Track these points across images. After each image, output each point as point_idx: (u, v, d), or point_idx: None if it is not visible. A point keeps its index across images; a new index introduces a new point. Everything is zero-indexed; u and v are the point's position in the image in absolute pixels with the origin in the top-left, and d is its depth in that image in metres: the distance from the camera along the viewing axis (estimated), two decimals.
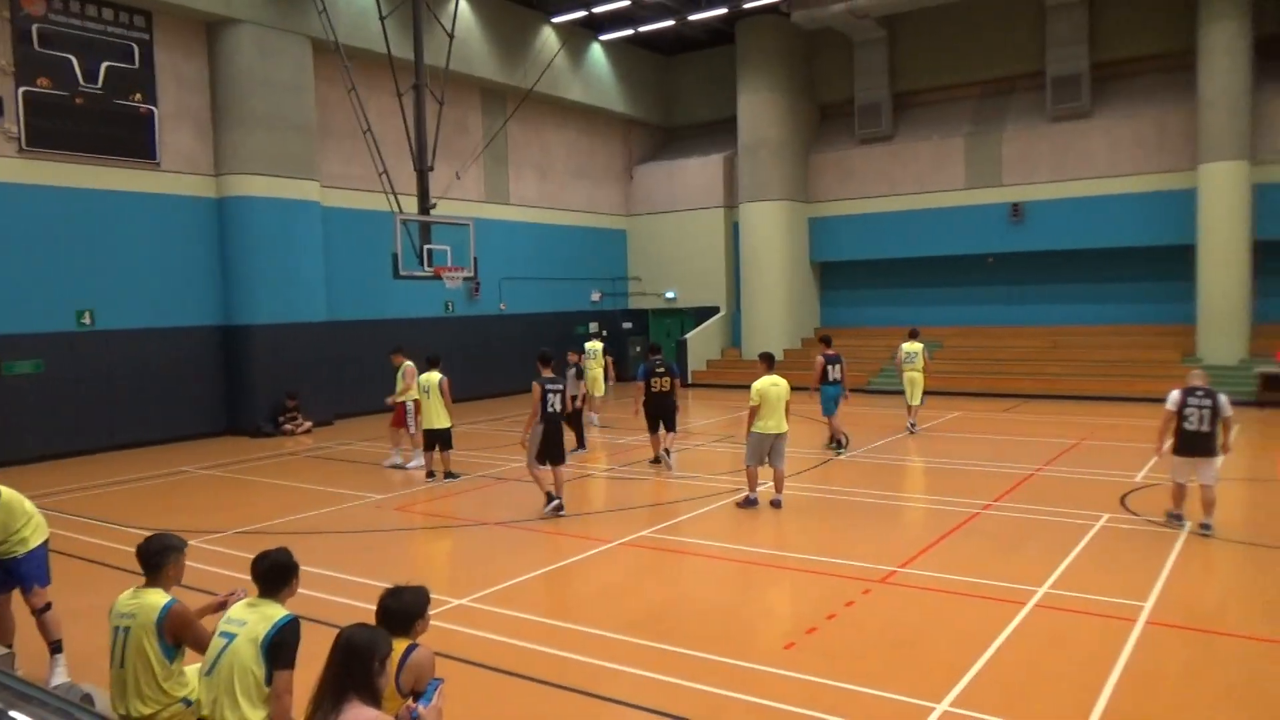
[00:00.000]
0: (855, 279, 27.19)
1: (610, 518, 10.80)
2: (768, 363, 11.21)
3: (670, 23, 24.79)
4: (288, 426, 18.37)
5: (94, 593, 7.69)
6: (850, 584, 7.85)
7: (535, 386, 10.68)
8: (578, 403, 14.97)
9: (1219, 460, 9.30)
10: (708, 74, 28.90)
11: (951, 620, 6.96)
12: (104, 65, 16.46)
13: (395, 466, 14.14)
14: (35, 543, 6.06)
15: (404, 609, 4.18)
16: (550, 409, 10.68)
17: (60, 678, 5.99)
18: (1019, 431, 16.59)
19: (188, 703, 4.59)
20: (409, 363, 14.27)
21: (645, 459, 14.25)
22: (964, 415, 18.53)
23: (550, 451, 10.77)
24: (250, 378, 18.37)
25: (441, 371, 13.14)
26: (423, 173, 18.36)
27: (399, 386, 14.19)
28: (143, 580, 4.75)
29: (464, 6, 22.19)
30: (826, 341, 15.71)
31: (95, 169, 16.44)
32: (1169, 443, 9.38)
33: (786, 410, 10.86)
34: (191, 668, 4.71)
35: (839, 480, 12.55)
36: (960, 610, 7.20)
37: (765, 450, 10.77)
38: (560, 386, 10.92)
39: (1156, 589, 7.47)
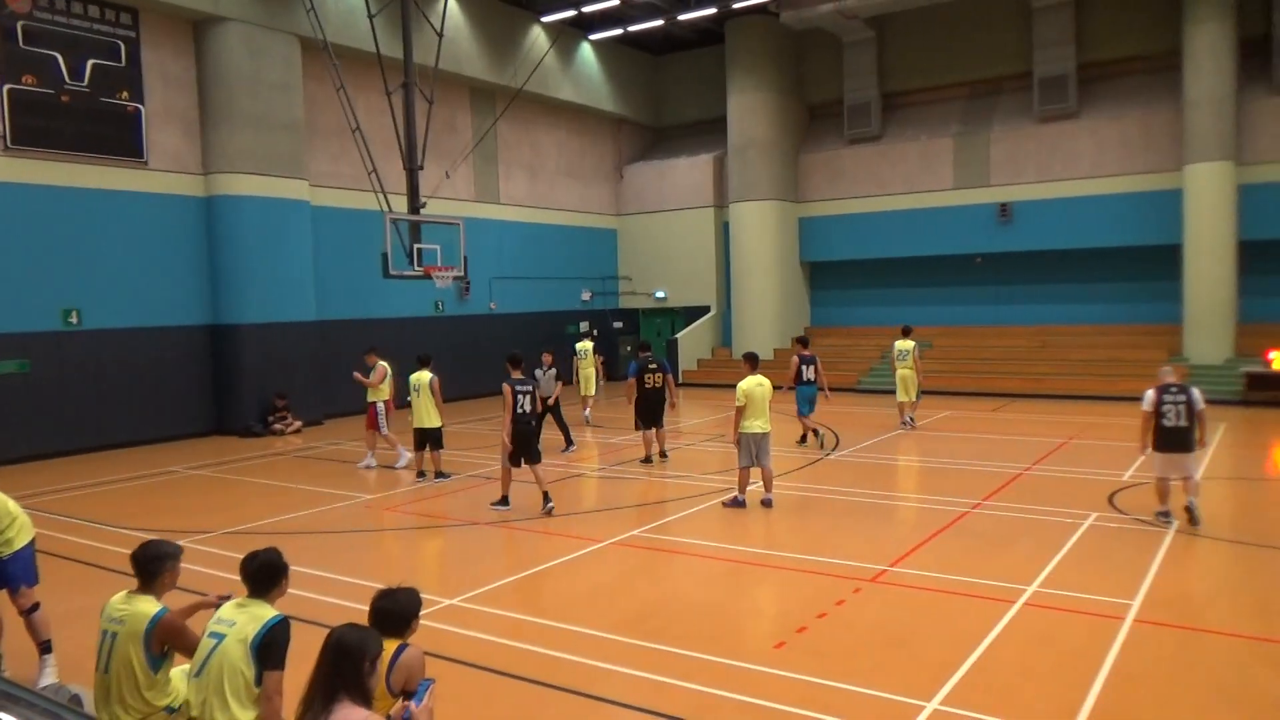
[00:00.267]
0: (845, 279, 27.26)
1: (601, 517, 10.80)
2: (751, 363, 11.27)
3: (660, 22, 24.81)
4: (277, 426, 18.30)
5: (83, 594, 7.66)
6: (841, 583, 7.87)
7: (506, 388, 10.85)
8: (550, 402, 15.12)
9: (1198, 452, 9.52)
10: (697, 74, 28.93)
11: (942, 619, 6.99)
12: (90, 63, 16.36)
13: (368, 468, 14.11)
14: (21, 543, 6.03)
15: (396, 610, 4.17)
16: (520, 410, 10.81)
17: (49, 679, 5.96)
18: (1007, 431, 16.67)
19: (171, 710, 4.56)
20: (382, 363, 14.26)
21: (636, 458, 14.25)
22: (953, 414, 18.60)
23: (523, 451, 10.85)
24: (239, 377, 18.29)
25: (432, 371, 13.12)
26: (412, 172, 18.31)
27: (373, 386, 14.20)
28: (136, 584, 4.71)
29: (453, 5, 22.13)
30: (803, 342, 15.96)
31: (82, 167, 16.33)
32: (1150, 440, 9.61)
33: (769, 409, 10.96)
34: (178, 670, 4.68)
35: (829, 479, 12.57)
36: (950, 609, 7.23)
37: (753, 450, 10.81)
38: (530, 388, 11.06)
39: (1144, 587, 7.52)
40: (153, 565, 4.65)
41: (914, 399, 16.85)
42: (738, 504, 10.84)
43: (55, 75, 15.91)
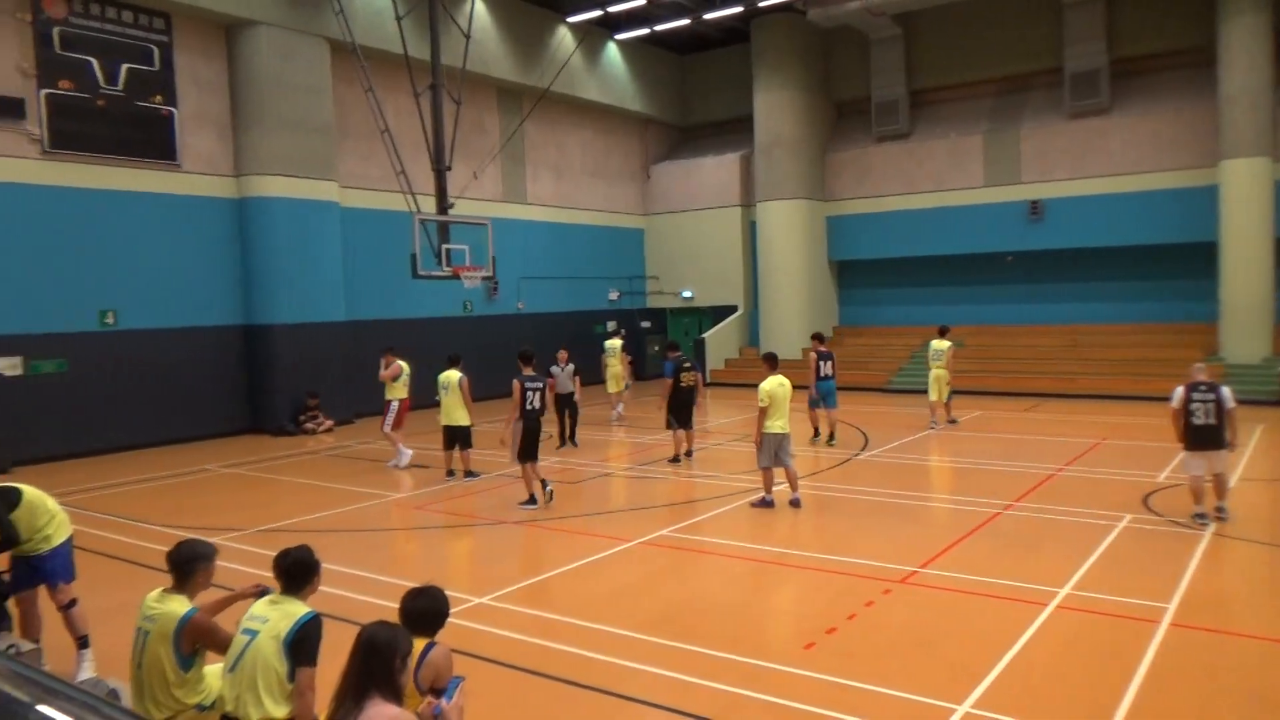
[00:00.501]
0: (873, 278, 27.08)
1: (628, 517, 10.80)
2: (772, 364, 11.25)
3: (686, 21, 24.76)
4: (309, 425, 18.49)
5: (120, 590, 7.78)
6: (870, 584, 7.82)
7: (516, 384, 11.12)
8: (575, 397, 15.68)
9: (1228, 451, 9.48)
10: (724, 73, 28.85)
11: (972, 621, 6.92)
12: (124, 67, 16.61)
13: (397, 466, 14.25)
14: (59, 540, 6.14)
15: (425, 610, 4.20)
16: (530, 406, 11.11)
17: (87, 673, 6.06)
18: (1039, 431, 16.47)
19: (201, 708, 4.62)
20: (399, 361, 14.35)
21: (663, 458, 14.25)
22: (983, 415, 18.42)
23: (531, 449, 11.16)
24: (271, 377, 18.51)
25: (461, 370, 13.18)
26: (440, 172, 18.42)
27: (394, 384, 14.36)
28: (171, 582, 4.78)
29: (480, 7, 22.25)
30: (819, 338, 16.13)
31: (117, 170, 16.60)
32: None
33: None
34: (211, 668, 4.74)
35: (858, 479, 12.50)
36: (981, 611, 7.16)
37: (775, 450, 10.78)
38: (540, 385, 11.31)
39: (1180, 590, 7.40)
40: (187, 566, 4.71)
41: (945, 399, 16.82)
42: (765, 504, 10.81)
43: (91, 80, 16.17)
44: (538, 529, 10.26)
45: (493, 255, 18.69)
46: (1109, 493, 11.08)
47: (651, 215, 29.57)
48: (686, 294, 28.88)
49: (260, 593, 4.66)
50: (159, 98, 17.16)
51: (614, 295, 28.24)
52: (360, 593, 7.85)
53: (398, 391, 14.20)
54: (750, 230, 27.48)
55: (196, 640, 4.58)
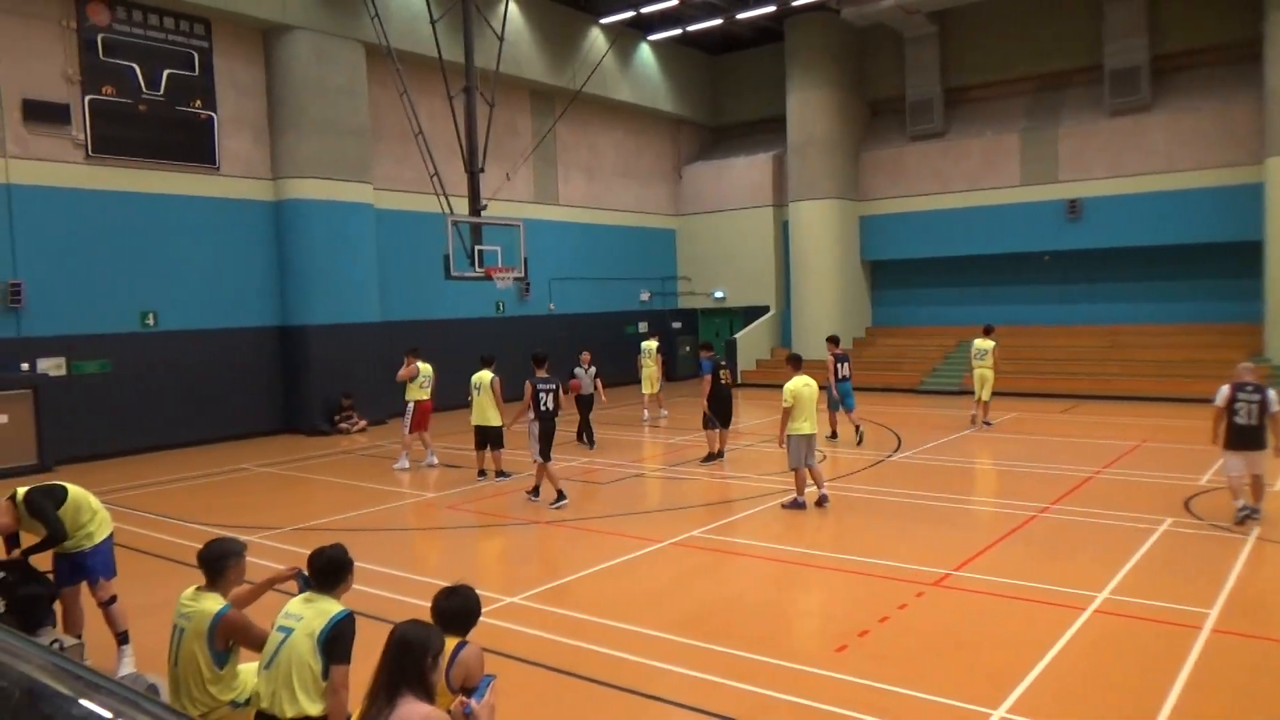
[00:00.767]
0: (907, 278, 26.83)
1: (660, 517, 10.80)
2: (796, 365, 11.36)
3: (718, 21, 24.70)
4: (343, 425, 18.69)
5: (160, 587, 7.92)
6: (903, 586, 7.75)
7: (528, 385, 11.48)
8: (600, 398, 16.22)
9: (1269, 453, 9.42)
10: (756, 72, 28.74)
11: (1008, 625, 6.84)
12: (165, 73, 16.91)
13: (430, 466, 14.38)
14: (100, 537, 6.26)
15: (457, 610, 4.23)
16: (544, 407, 11.42)
17: (127, 668, 6.18)
18: (1077, 433, 16.22)
19: (235, 705, 4.68)
20: (417, 363, 14.43)
21: (695, 458, 14.24)
22: (1020, 416, 18.18)
23: (548, 446, 11.46)
24: (307, 377, 18.74)
25: (494, 371, 13.25)
26: (474, 174, 18.54)
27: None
28: (204, 580, 4.85)
29: (513, 9, 22.36)
30: (835, 340, 16.23)
31: (157, 174, 16.89)
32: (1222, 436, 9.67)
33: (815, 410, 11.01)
34: (246, 666, 4.80)
35: (892, 481, 12.39)
36: (1017, 615, 7.06)
37: (805, 451, 10.73)
38: (553, 386, 11.61)
39: (1222, 596, 7.25)
40: (218, 563, 4.77)
41: (988, 399, 16.84)
42: (797, 505, 10.75)
43: (133, 85, 16.48)
44: (568, 529, 10.28)
45: (525, 256, 18.78)
46: (1149, 496, 10.89)
47: (683, 216, 29.54)
48: (718, 294, 28.81)
49: (298, 574, 4.71)
50: (199, 102, 17.44)
51: (645, 296, 28.24)
52: (393, 591, 7.92)
53: (414, 393, 14.27)
54: (783, 230, 27.36)
55: (230, 637, 4.64)
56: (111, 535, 6.38)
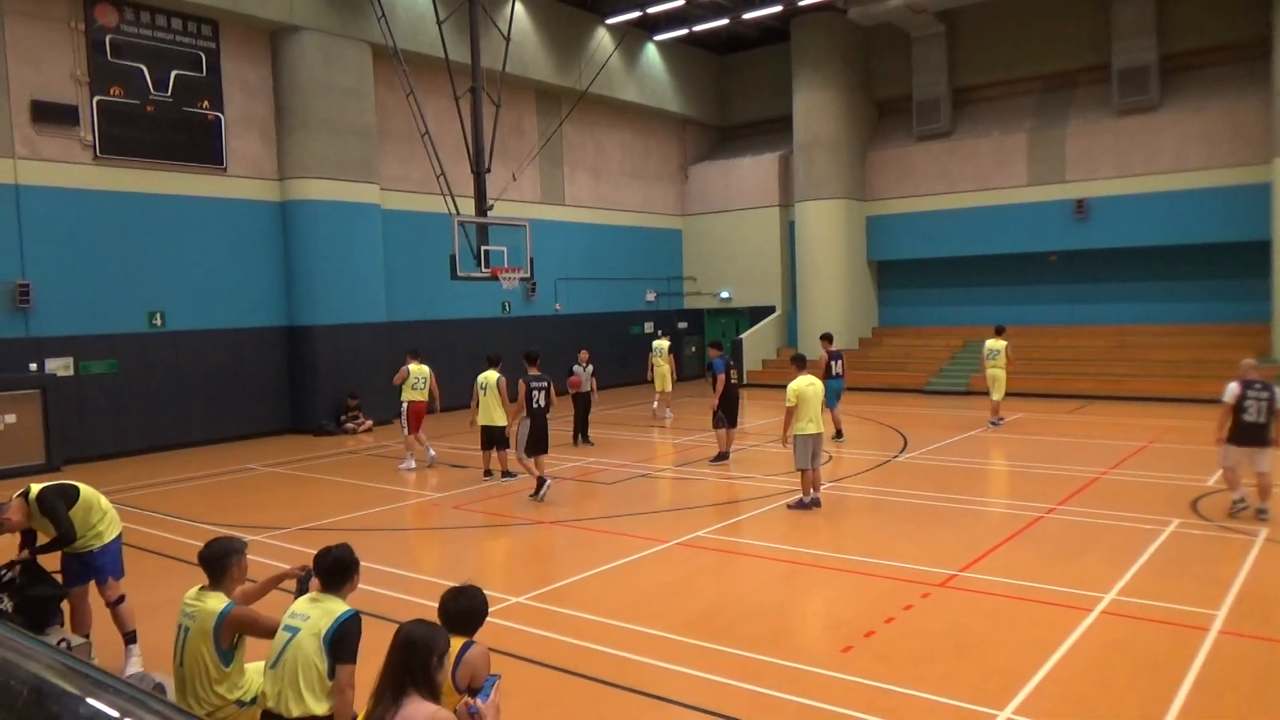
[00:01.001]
0: (914, 278, 26.79)
1: (667, 517, 10.80)
2: (800, 365, 11.42)
3: (725, 22, 24.69)
4: (349, 425, 18.73)
5: (166, 587, 7.94)
6: (909, 587, 7.74)
7: (521, 384, 11.70)
8: (593, 396, 16.47)
9: (1273, 450, 9.59)
10: (763, 72, 28.72)
11: (1014, 626, 6.82)
12: (173, 74, 16.96)
13: (432, 463, 14.42)
14: (109, 537, 6.28)
15: (464, 610, 4.23)
16: (535, 405, 11.64)
17: (134, 667, 6.20)
18: (1084, 433, 16.18)
19: (241, 704, 4.69)
20: (408, 366, 14.44)
21: (700, 459, 14.23)
22: (1027, 416, 18.14)
23: (538, 444, 11.65)
24: (313, 377, 18.78)
25: (500, 371, 13.27)
26: (480, 175, 18.56)
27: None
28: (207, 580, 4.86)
29: (520, 10, 22.37)
30: (828, 338, 16.44)
31: (165, 175, 16.95)
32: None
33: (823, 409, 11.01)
34: (252, 665, 4.82)
35: (897, 481, 12.37)
36: (1023, 616, 7.04)
37: (811, 451, 10.72)
38: (545, 384, 11.83)
39: (1230, 597, 7.23)
40: (219, 562, 4.79)
41: (999, 398, 17.02)
42: (803, 506, 10.75)
43: (141, 86, 16.53)
44: (575, 529, 10.29)
45: (531, 256, 18.81)
46: (1157, 496, 10.86)
47: (689, 216, 29.54)
48: (724, 295, 28.81)
49: (305, 572, 4.72)
50: (206, 103, 17.49)
51: (651, 296, 28.25)
52: (399, 591, 7.94)
53: (408, 394, 14.35)
54: (789, 230, 27.34)
55: (238, 630, 4.65)
56: (120, 536, 6.41)
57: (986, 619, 6.97)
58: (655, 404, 19.58)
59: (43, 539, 6.14)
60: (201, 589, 4.76)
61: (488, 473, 13.31)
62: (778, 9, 23.43)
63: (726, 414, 14.13)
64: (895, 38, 25.70)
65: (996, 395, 16.95)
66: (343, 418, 18.82)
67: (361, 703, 3.75)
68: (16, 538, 6.32)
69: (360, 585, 4.64)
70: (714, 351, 14.75)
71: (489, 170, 18.74)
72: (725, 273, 28.72)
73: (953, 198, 24.97)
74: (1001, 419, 17.10)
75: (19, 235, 15.16)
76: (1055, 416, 18.33)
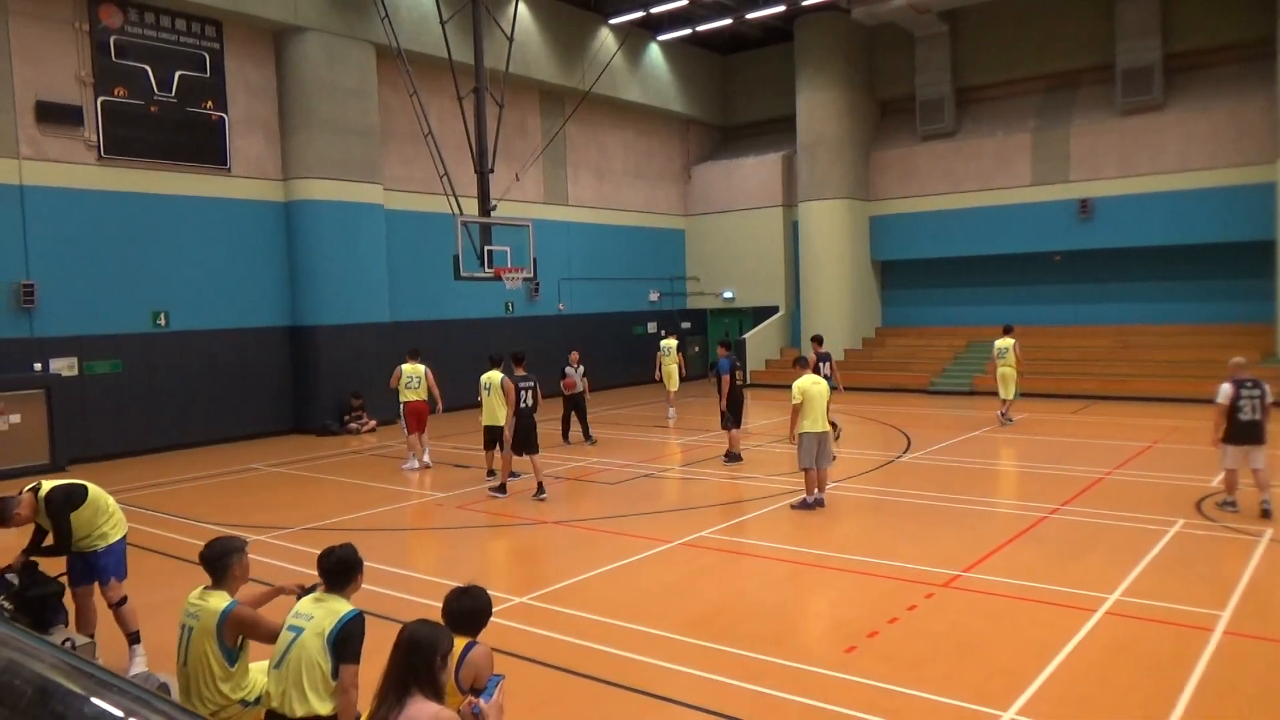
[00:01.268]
0: (917, 278, 26.76)
1: (670, 517, 10.80)
2: (803, 365, 11.51)
3: (728, 21, 24.68)
4: (353, 425, 18.75)
5: (170, 586, 7.95)
6: (912, 588, 7.73)
7: (508, 383, 11.80)
8: (585, 394, 16.55)
9: (1266, 446, 9.77)
10: (766, 72, 28.70)
11: (1018, 626, 6.81)
12: (177, 74, 16.99)
13: (426, 466, 14.42)
14: (115, 538, 6.30)
15: (468, 610, 4.23)
16: (523, 405, 11.73)
17: (138, 667, 6.21)
18: (1088, 434, 16.15)
19: (245, 704, 4.70)
20: (401, 366, 14.49)
21: (704, 458, 14.23)
22: (1031, 417, 18.11)
23: (525, 443, 11.72)
24: (317, 377, 18.80)
25: (503, 371, 13.27)
26: (483, 175, 18.57)
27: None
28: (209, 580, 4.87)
29: (523, 10, 22.37)
30: (818, 340, 16.51)
31: (169, 175, 16.98)
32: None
33: (828, 408, 11.01)
34: (256, 665, 4.82)
35: (901, 482, 12.36)
36: (1027, 616, 7.04)
37: (816, 450, 10.72)
38: (532, 383, 11.99)
39: (1234, 598, 7.21)
40: (220, 561, 4.80)
41: (1012, 397, 17.15)
42: (806, 505, 10.74)
43: (145, 87, 16.56)
44: (577, 529, 10.29)
45: (534, 257, 18.81)
46: (1161, 497, 10.84)
47: (693, 216, 29.53)
48: (728, 295, 28.79)
49: (302, 592, 4.73)
50: (210, 103, 17.52)
51: (654, 296, 28.24)
52: (402, 591, 7.94)
53: (402, 394, 14.38)
54: (792, 230, 27.32)
55: (240, 631, 4.66)
56: (125, 537, 6.42)
57: (990, 619, 6.97)
58: (670, 407, 19.50)
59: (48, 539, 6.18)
60: (205, 589, 4.78)
61: (491, 473, 13.30)
62: (781, 9, 23.41)
63: (732, 414, 14.13)
64: (898, 37, 25.68)
65: (1006, 394, 17.07)
66: (346, 418, 18.84)
67: (365, 703, 3.75)
68: (28, 530, 6.34)
69: (363, 585, 4.65)
70: (722, 351, 14.78)
71: (492, 170, 18.75)
72: (729, 273, 28.71)
73: (956, 198, 24.93)
74: (1010, 419, 17.16)
75: (23, 236, 15.19)
76: (1059, 416, 18.30)
